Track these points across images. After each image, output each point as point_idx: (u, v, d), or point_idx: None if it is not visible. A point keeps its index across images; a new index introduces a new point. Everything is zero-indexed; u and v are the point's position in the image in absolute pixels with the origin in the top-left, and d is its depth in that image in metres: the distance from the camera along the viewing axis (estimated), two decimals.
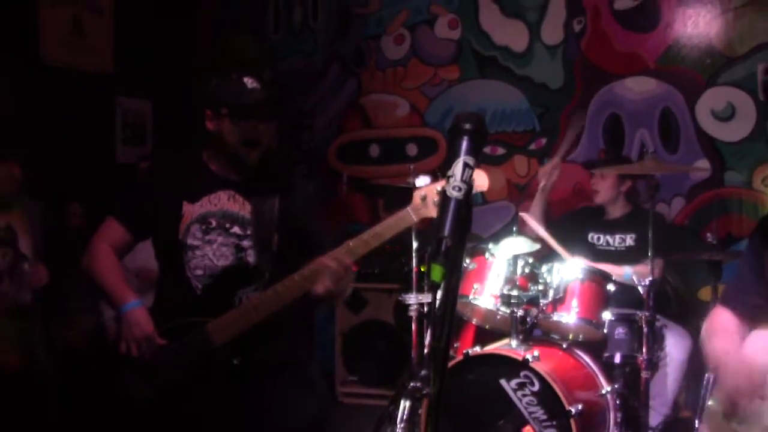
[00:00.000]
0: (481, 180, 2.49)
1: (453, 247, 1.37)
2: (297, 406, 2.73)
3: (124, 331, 2.67)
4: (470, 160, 1.47)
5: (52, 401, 4.25)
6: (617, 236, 4.51)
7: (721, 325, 2.55)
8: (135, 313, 2.68)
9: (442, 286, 1.36)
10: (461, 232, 1.40)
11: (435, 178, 2.56)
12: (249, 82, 2.74)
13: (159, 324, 2.69)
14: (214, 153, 2.82)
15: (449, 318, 1.36)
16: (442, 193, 1.44)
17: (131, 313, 2.68)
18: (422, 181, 2.59)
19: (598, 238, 4.56)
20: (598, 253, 4.43)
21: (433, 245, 1.39)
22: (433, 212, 2.49)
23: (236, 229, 2.75)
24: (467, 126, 1.50)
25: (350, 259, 2.58)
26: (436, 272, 1.36)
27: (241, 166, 2.79)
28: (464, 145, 1.48)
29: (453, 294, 1.36)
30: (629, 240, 4.47)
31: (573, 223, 4.68)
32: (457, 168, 1.46)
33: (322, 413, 2.85)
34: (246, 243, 2.75)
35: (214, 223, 2.74)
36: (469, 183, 1.45)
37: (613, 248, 4.50)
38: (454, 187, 1.44)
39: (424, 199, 2.53)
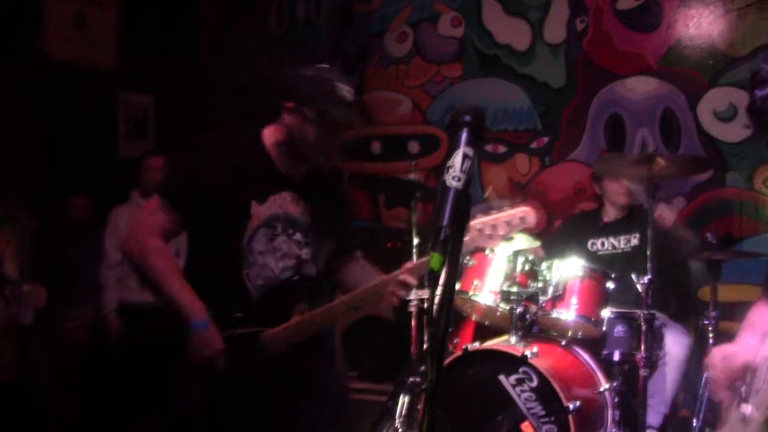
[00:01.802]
0: (530, 219, 2.45)
1: (452, 237, 1.39)
2: (328, 385, 2.79)
3: (195, 346, 2.55)
4: (469, 151, 1.49)
5: (50, 411, 4.25)
6: (621, 237, 4.49)
7: (751, 320, 2.41)
8: (209, 331, 2.55)
9: (440, 274, 1.38)
10: (460, 222, 1.42)
11: (487, 212, 2.49)
12: (347, 92, 2.57)
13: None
14: (282, 146, 2.63)
15: (447, 307, 1.38)
16: (442, 183, 1.46)
17: (205, 332, 2.55)
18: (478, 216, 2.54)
19: (602, 243, 4.53)
20: (600, 261, 4.32)
21: (432, 235, 1.41)
22: (485, 243, 2.49)
23: (298, 236, 2.66)
24: (466, 118, 1.52)
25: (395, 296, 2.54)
26: (435, 261, 1.38)
27: (305, 168, 2.66)
28: (464, 136, 1.50)
29: (451, 282, 1.38)
30: (634, 240, 4.45)
31: (571, 233, 4.64)
32: (457, 159, 1.47)
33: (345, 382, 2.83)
34: (305, 253, 2.67)
35: (279, 229, 2.63)
36: (468, 173, 1.46)
37: (619, 250, 4.48)
38: (453, 177, 1.45)
39: (480, 231, 2.48)
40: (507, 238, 2.48)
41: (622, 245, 4.49)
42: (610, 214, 4.58)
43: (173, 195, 2.62)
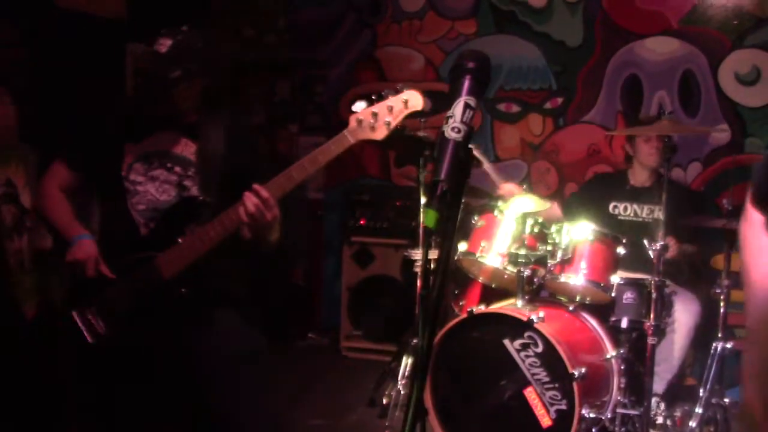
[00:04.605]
0: (415, 100, 2.51)
1: (450, 192, 1.29)
2: (238, 339, 2.73)
3: (70, 253, 2.69)
4: (471, 101, 1.37)
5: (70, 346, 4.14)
6: (645, 206, 4.38)
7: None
8: (84, 242, 2.71)
9: (435, 232, 1.28)
10: (460, 176, 1.32)
11: (370, 103, 2.57)
12: (160, 45, 2.76)
13: (106, 260, 2.71)
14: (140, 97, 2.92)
15: (443, 267, 1.28)
16: (441, 135, 1.35)
17: (80, 243, 2.71)
18: (359, 106, 2.56)
19: (625, 208, 4.42)
20: (619, 225, 4.27)
21: (429, 189, 1.30)
22: (368, 134, 2.53)
23: (178, 169, 2.78)
24: (470, 65, 1.40)
25: (276, 193, 2.56)
26: (430, 218, 1.27)
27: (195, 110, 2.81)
28: (466, 84, 1.38)
29: (448, 242, 1.28)
30: (658, 212, 4.34)
31: (594, 192, 4.54)
32: (457, 108, 1.36)
33: (256, 354, 2.78)
34: (187, 182, 2.77)
35: (156, 163, 2.78)
36: (469, 125, 1.35)
37: (640, 219, 4.38)
38: (453, 128, 1.34)
39: (360, 122, 2.57)
40: (393, 126, 2.49)
41: (644, 214, 4.39)
42: (638, 177, 4.45)
43: (70, 152, 2.89)
